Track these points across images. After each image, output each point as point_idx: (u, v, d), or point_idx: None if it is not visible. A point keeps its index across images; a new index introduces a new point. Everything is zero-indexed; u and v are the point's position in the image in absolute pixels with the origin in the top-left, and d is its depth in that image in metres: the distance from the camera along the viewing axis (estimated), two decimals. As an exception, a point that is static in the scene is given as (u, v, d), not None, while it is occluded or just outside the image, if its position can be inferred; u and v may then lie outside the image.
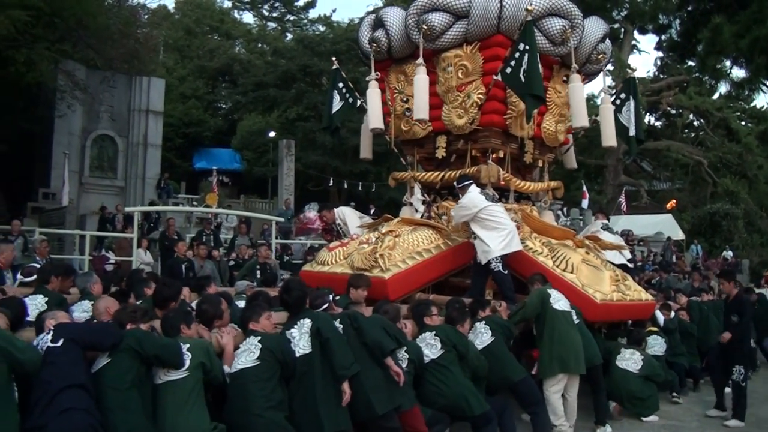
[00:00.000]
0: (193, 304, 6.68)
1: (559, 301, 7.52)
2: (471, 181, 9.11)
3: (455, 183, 9.23)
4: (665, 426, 8.32)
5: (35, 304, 6.36)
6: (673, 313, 10.85)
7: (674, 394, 9.68)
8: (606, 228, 11.49)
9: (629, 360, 8.68)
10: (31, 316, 5.82)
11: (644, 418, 8.47)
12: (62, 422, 4.11)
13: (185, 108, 41.24)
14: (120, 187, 26.79)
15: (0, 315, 4.75)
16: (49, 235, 16.88)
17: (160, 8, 41.24)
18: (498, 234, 8.60)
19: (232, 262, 14.61)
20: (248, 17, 56.54)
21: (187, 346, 4.91)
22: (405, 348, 6.09)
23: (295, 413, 5.12)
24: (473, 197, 8.83)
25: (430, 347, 6.53)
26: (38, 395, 4.23)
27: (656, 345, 9.59)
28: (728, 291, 9.21)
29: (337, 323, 5.73)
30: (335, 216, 11.07)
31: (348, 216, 11.12)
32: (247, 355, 5.21)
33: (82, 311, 6.35)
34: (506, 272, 8.68)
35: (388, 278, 8.51)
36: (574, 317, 7.63)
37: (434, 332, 6.63)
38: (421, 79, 9.75)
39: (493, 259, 8.55)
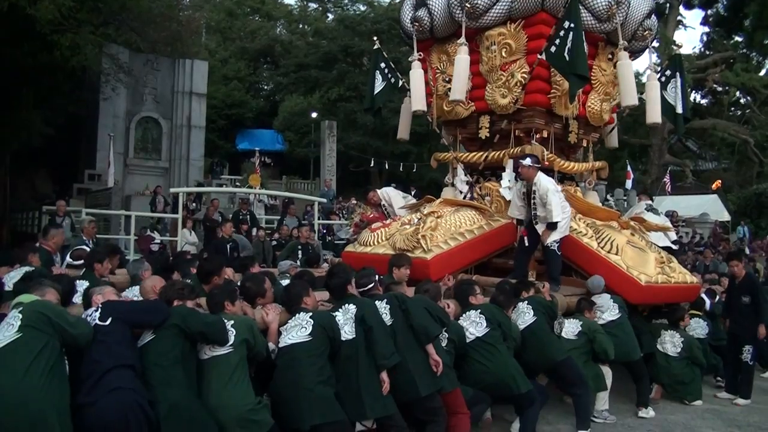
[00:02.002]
0: (238, 283, 6.76)
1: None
2: (539, 164, 8.89)
3: (519, 160, 8.82)
4: (708, 410, 8.19)
5: (80, 290, 6.45)
6: (717, 297, 10.69)
7: (718, 378, 9.55)
8: (650, 209, 11.33)
9: (668, 343, 8.55)
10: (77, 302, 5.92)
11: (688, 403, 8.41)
12: (110, 400, 4.17)
13: (228, 90, 41.56)
14: (164, 168, 27.13)
15: (51, 290, 4.81)
16: (95, 216, 17.16)
17: (202, -9, 41.46)
18: (564, 216, 8.59)
19: (274, 242, 14.73)
20: (289, -3, 56.61)
21: (232, 322, 4.96)
22: (445, 328, 6.08)
23: (339, 396, 5.15)
24: (552, 182, 8.73)
25: (475, 325, 6.49)
26: (87, 373, 4.29)
27: (698, 328, 9.43)
28: (738, 272, 9.06)
29: (384, 303, 5.76)
30: (380, 197, 11.05)
31: (393, 197, 11.10)
32: (299, 330, 5.25)
33: (132, 296, 6.41)
34: (560, 254, 8.65)
35: (431, 259, 8.48)
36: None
37: (479, 310, 6.60)
38: (462, 59, 9.64)
39: (552, 241, 8.53)
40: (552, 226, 8.43)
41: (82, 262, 7.85)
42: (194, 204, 19.83)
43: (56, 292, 4.86)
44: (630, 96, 9.54)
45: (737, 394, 8.73)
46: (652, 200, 12.76)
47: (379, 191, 11.28)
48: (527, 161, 8.63)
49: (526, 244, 8.82)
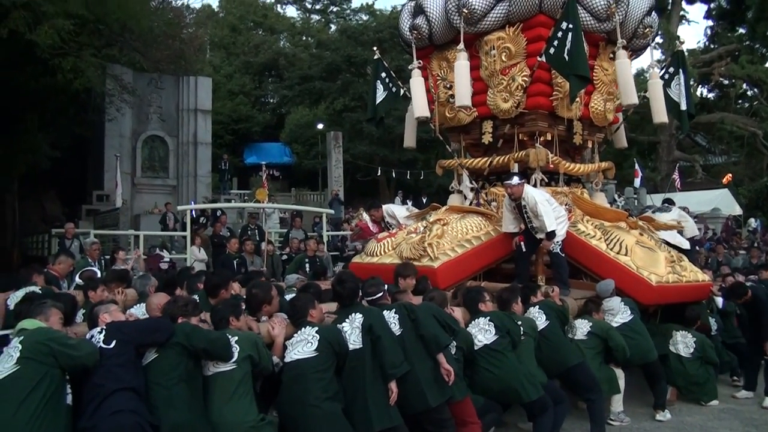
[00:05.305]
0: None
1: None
2: (524, 180, 8.92)
3: (508, 181, 8.77)
4: (725, 410, 8.10)
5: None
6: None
7: (734, 377, 9.43)
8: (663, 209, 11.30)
9: (680, 344, 8.43)
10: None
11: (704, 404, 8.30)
12: (111, 423, 4.15)
13: (233, 105, 41.72)
14: (172, 186, 27.15)
15: (54, 310, 4.79)
16: (103, 237, 17.16)
17: (205, 7, 41.75)
18: (560, 221, 8.60)
19: (285, 256, 14.66)
20: (291, 11, 56.89)
21: (236, 338, 4.94)
22: (454, 336, 6.01)
23: (345, 410, 5.10)
24: (545, 195, 8.74)
25: (484, 332, 6.45)
26: (90, 397, 4.28)
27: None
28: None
29: (393, 313, 5.71)
30: (383, 213, 10.99)
31: (396, 210, 11.07)
32: (304, 345, 5.21)
33: (141, 315, 6.38)
34: (564, 255, 8.60)
35: (438, 267, 8.44)
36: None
37: (488, 317, 6.55)
38: (462, 65, 9.59)
39: (554, 243, 8.52)
40: (551, 235, 8.42)
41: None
42: (203, 219, 19.72)
43: (59, 311, 4.85)
44: (630, 95, 9.46)
45: (753, 390, 8.67)
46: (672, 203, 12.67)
47: (383, 207, 11.19)
48: (514, 180, 8.66)
49: (524, 250, 8.80)
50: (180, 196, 26.57)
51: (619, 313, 7.86)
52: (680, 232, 10.51)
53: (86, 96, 21.38)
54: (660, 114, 9.88)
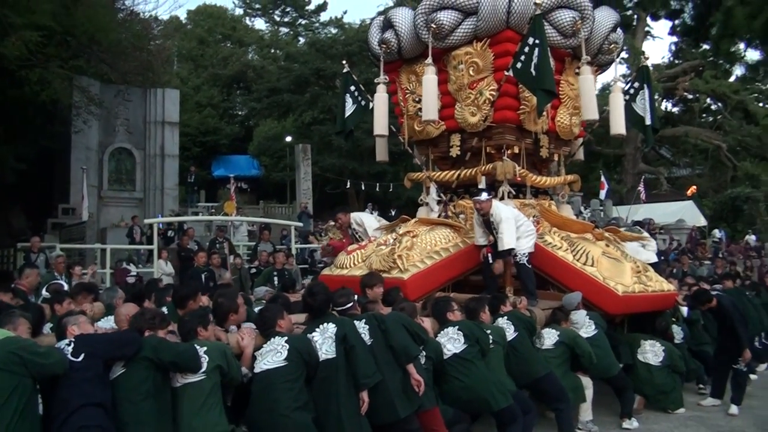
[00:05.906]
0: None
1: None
2: (492, 195, 9.05)
3: (477, 197, 8.88)
4: (692, 417, 8.23)
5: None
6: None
7: (700, 385, 9.56)
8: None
9: (649, 352, 8.55)
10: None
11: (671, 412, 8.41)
12: None
13: (201, 117, 41.55)
14: (139, 198, 26.94)
15: (22, 320, 4.77)
16: (70, 250, 16.98)
17: (173, 19, 41.50)
18: (527, 235, 8.68)
19: (253, 270, 14.61)
20: (260, 23, 56.81)
21: (204, 349, 4.91)
22: (423, 346, 6.05)
23: (316, 420, 5.10)
24: (513, 212, 8.80)
25: (453, 341, 6.49)
26: (56, 413, 4.26)
27: (675, 334, 9.45)
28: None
29: (363, 323, 5.73)
30: (350, 220, 11.01)
31: (365, 219, 11.08)
32: (274, 355, 5.21)
33: (110, 326, 6.34)
34: (530, 267, 8.68)
35: (407, 279, 8.48)
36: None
37: (457, 327, 6.59)
38: (429, 79, 9.69)
39: (521, 255, 8.59)
40: (503, 254, 8.54)
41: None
42: (170, 232, 19.62)
43: (27, 321, 4.83)
44: (590, 110, 9.63)
45: (720, 398, 8.76)
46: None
47: (351, 214, 11.23)
48: (483, 196, 8.76)
49: (490, 261, 8.87)
50: (147, 209, 26.39)
51: (583, 327, 7.93)
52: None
53: (53, 108, 21.18)
54: (617, 126, 10.03)
